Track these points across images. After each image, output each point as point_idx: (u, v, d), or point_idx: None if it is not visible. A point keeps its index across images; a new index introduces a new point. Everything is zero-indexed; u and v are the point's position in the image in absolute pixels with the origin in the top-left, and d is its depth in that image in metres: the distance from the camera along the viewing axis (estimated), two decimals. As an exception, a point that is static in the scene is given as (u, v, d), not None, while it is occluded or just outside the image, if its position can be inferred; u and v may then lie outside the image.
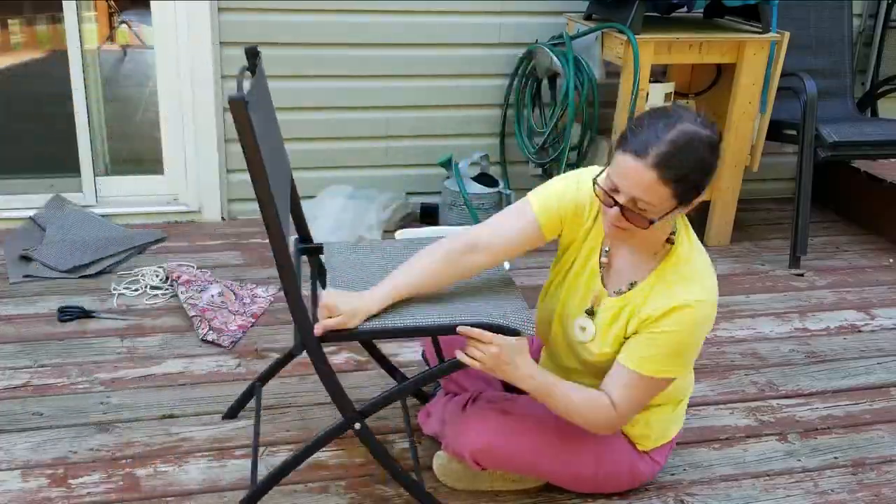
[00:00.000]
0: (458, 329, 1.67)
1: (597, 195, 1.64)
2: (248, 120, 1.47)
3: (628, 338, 1.73)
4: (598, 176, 1.65)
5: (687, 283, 1.67)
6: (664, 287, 1.68)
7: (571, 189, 1.79)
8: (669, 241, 1.70)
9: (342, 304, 1.67)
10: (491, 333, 1.65)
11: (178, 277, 2.83)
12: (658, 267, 1.70)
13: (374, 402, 1.80)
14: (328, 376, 1.72)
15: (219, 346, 2.51)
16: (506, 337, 1.66)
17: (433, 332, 1.82)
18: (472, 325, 1.67)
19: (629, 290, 1.74)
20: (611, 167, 1.60)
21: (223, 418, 2.17)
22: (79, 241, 3.05)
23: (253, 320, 2.66)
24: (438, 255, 1.78)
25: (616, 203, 1.57)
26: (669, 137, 1.52)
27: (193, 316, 2.63)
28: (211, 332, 2.55)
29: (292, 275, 1.63)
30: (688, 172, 1.54)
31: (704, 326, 1.69)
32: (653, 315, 1.67)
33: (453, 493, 1.96)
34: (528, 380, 1.70)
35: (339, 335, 1.70)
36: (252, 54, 1.85)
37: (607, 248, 1.79)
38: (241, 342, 2.55)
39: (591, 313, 1.79)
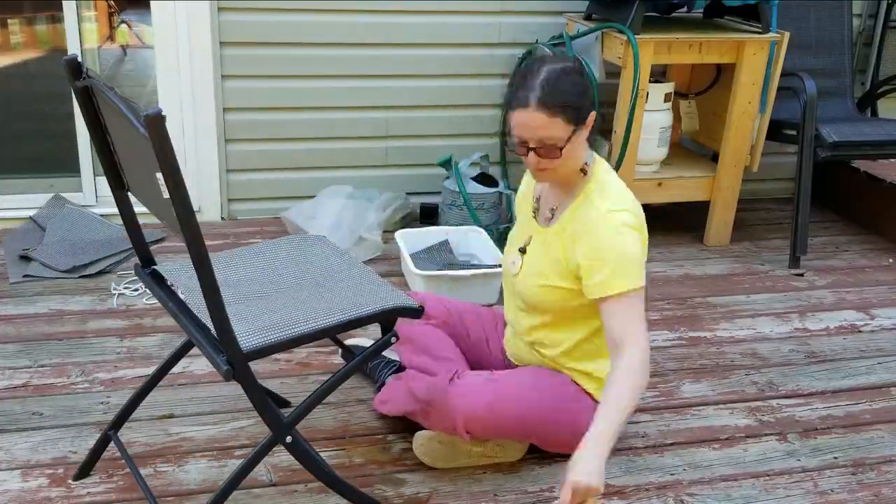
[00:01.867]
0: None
1: (514, 153, 1.87)
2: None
3: (570, 266, 1.88)
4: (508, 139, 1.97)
5: (606, 197, 1.86)
6: (587, 204, 1.87)
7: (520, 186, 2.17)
8: (583, 171, 1.89)
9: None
10: (567, 488, 1.55)
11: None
12: (581, 193, 1.89)
13: (299, 410, 1.75)
14: (257, 393, 1.67)
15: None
16: (573, 476, 1.55)
17: (323, 336, 1.74)
18: (370, 315, 1.75)
19: (552, 216, 1.95)
20: (511, 129, 1.84)
21: (74, 479, 1.95)
22: (79, 240, 3.06)
23: None
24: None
25: (529, 148, 1.81)
26: (538, 82, 1.77)
27: None
28: None
29: (219, 297, 1.54)
30: (566, 99, 1.77)
31: (628, 229, 1.82)
32: (573, 231, 1.86)
33: (453, 492, 1.96)
34: (608, 434, 1.63)
35: (265, 350, 1.62)
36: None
37: (538, 196, 2.03)
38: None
39: (522, 251, 2.01)
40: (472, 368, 2.13)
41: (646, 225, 1.90)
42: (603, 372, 1.96)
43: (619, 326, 1.78)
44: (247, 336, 1.62)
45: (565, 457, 1.67)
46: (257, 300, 1.81)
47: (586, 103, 1.82)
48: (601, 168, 1.92)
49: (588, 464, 1.57)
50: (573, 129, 1.80)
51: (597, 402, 1.91)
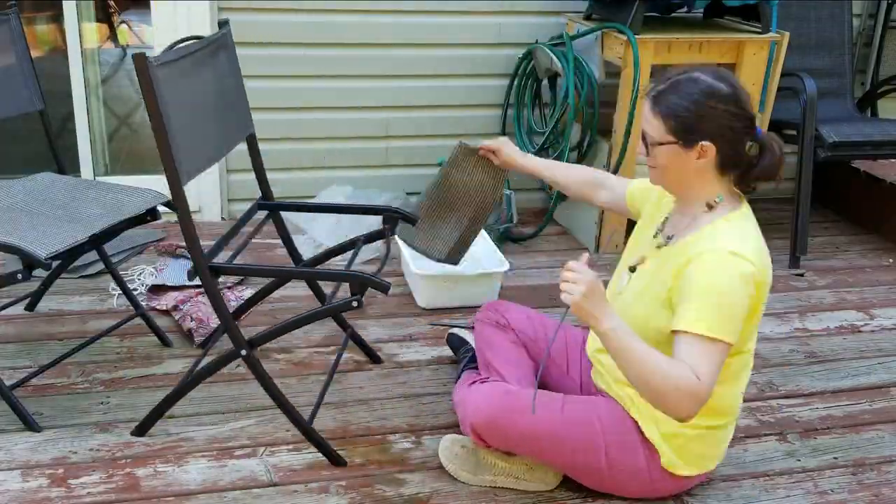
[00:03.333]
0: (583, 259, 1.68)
1: None
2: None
3: (657, 284, 1.77)
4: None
5: (735, 238, 1.70)
6: (711, 235, 1.72)
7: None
8: (709, 205, 1.76)
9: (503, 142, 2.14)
10: (580, 265, 1.65)
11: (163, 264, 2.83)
12: (708, 225, 1.75)
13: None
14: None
15: (192, 340, 2.52)
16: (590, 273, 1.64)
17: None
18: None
19: (666, 243, 1.83)
20: None
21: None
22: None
23: (237, 322, 2.66)
24: (585, 174, 2.22)
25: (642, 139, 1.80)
26: (672, 80, 1.73)
27: (173, 308, 2.66)
28: (192, 321, 2.55)
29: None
30: (677, 109, 1.69)
31: (741, 279, 1.65)
32: (685, 259, 1.70)
33: (453, 493, 1.96)
34: (612, 318, 1.64)
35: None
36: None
37: (665, 218, 1.90)
38: (221, 343, 2.54)
39: (632, 269, 1.90)
40: (549, 387, 2.06)
41: (768, 288, 1.73)
42: (671, 429, 1.82)
43: (694, 360, 1.62)
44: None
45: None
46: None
47: (699, 126, 1.68)
48: (740, 213, 1.76)
49: (595, 301, 1.62)
50: (671, 139, 1.71)
51: (655, 458, 1.84)
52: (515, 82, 3.48)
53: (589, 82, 3.16)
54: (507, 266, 2.81)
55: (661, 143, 1.72)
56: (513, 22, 3.48)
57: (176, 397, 2.06)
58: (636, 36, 2.99)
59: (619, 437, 1.85)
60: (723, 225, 1.73)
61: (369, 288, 1.89)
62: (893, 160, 3.63)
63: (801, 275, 3.23)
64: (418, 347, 2.57)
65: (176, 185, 1.80)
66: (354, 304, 1.87)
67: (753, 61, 3.15)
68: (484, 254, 3.01)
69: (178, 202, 1.81)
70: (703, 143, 1.69)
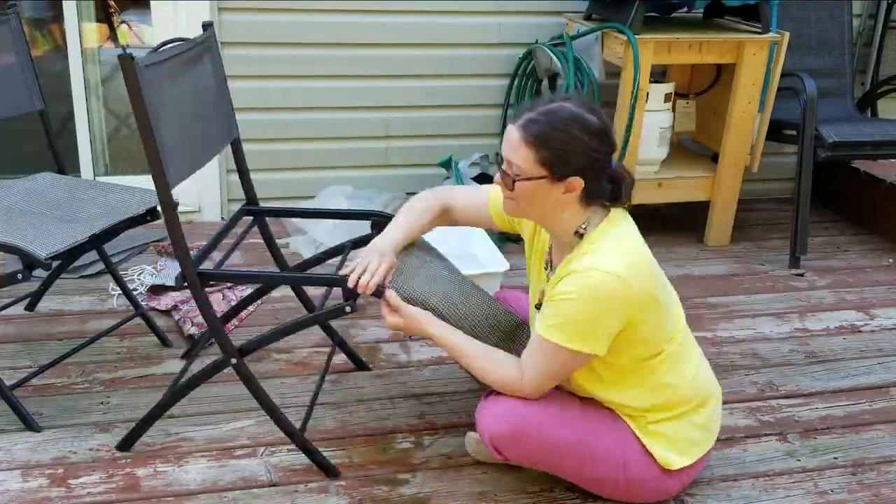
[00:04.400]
0: (386, 294, 1.84)
1: None
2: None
3: None
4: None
5: (589, 255, 1.71)
6: (576, 258, 1.74)
7: None
8: (578, 233, 1.76)
9: (371, 251, 1.89)
10: (396, 305, 1.84)
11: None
12: (574, 251, 1.77)
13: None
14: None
15: (197, 344, 2.51)
16: (411, 308, 1.85)
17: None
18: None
19: (549, 273, 1.88)
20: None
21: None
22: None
23: (238, 322, 2.66)
24: (432, 210, 2.04)
25: (500, 169, 1.76)
26: (542, 108, 1.69)
27: (173, 308, 2.66)
28: (193, 327, 2.55)
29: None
30: (549, 138, 1.66)
31: (606, 298, 1.66)
32: (556, 280, 1.75)
33: (453, 492, 1.96)
34: (433, 330, 1.84)
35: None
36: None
37: (549, 247, 1.91)
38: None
39: (537, 307, 1.90)
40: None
41: (641, 287, 1.70)
42: (650, 427, 1.85)
43: (528, 359, 1.78)
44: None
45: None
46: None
47: (572, 160, 1.66)
48: (606, 222, 1.76)
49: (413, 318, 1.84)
50: (545, 174, 1.68)
51: (651, 457, 1.86)
52: (515, 82, 3.48)
53: (589, 82, 3.17)
54: (507, 266, 2.81)
55: (530, 178, 1.68)
56: (513, 22, 3.48)
57: (160, 411, 2.02)
58: (636, 36, 2.99)
59: (631, 447, 1.85)
60: (587, 247, 1.72)
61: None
62: (893, 160, 3.63)
63: (801, 275, 3.23)
64: (418, 347, 2.57)
65: (163, 189, 1.77)
66: (348, 309, 1.83)
67: (753, 61, 3.15)
68: (484, 254, 3.01)
69: (164, 207, 1.79)
70: (573, 178, 1.67)
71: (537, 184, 1.69)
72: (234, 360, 1.93)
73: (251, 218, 2.27)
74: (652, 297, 1.74)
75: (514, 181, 1.70)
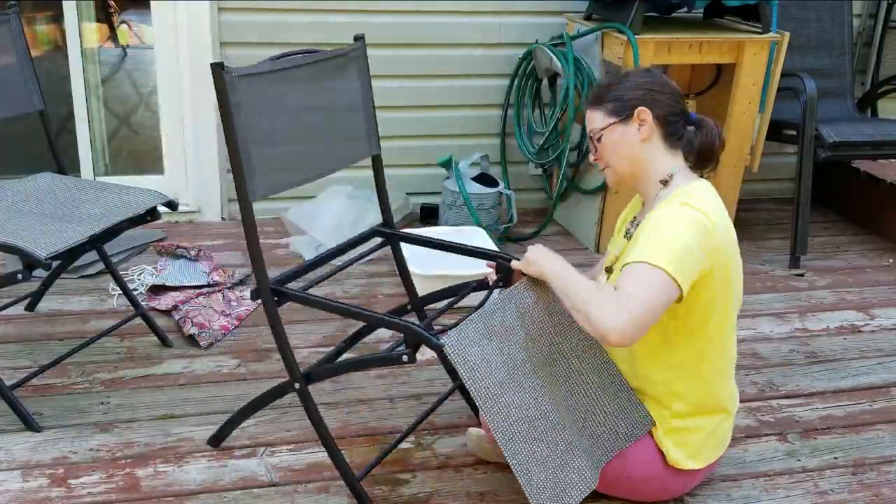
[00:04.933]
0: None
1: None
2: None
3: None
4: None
5: (678, 198, 1.74)
6: (662, 206, 1.76)
7: None
8: (664, 182, 1.81)
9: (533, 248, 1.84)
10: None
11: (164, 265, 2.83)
12: (660, 202, 1.79)
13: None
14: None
15: (198, 345, 2.51)
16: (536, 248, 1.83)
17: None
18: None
19: (634, 228, 1.87)
20: None
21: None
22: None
23: (237, 322, 2.66)
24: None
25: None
26: (602, 83, 1.91)
27: (173, 308, 2.66)
28: (193, 327, 2.55)
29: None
30: (605, 92, 1.84)
31: (695, 230, 1.67)
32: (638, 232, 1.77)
33: (453, 492, 1.96)
34: (551, 266, 1.77)
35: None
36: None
37: (634, 216, 1.94)
38: (221, 343, 2.55)
39: (608, 270, 1.92)
40: None
41: (726, 251, 1.74)
42: (672, 442, 1.85)
43: (622, 283, 1.65)
44: None
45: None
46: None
47: (629, 95, 1.80)
48: (698, 183, 1.80)
49: (541, 254, 1.80)
50: (611, 120, 1.81)
51: (664, 458, 1.86)
52: (515, 82, 3.48)
53: (589, 82, 3.16)
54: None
55: (604, 128, 1.82)
56: (513, 22, 3.48)
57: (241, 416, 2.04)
58: (636, 36, 2.99)
59: (640, 443, 1.85)
60: (675, 195, 1.76)
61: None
62: (893, 160, 3.63)
63: (801, 275, 3.23)
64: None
65: (244, 200, 1.78)
66: (405, 358, 1.73)
67: (753, 61, 3.15)
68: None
69: (246, 222, 1.80)
70: (638, 108, 1.79)
71: (612, 131, 1.82)
72: (297, 385, 1.86)
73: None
74: (729, 251, 1.76)
75: (597, 141, 1.84)
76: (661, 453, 1.85)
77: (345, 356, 2.06)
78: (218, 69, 1.67)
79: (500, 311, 1.76)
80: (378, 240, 2.18)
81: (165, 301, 2.71)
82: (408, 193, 3.55)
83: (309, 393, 1.86)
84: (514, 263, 1.88)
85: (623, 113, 1.80)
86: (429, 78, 3.51)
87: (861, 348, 2.70)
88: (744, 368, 2.55)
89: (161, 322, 2.60)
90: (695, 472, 1.90)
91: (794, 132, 3.28)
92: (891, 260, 3.41)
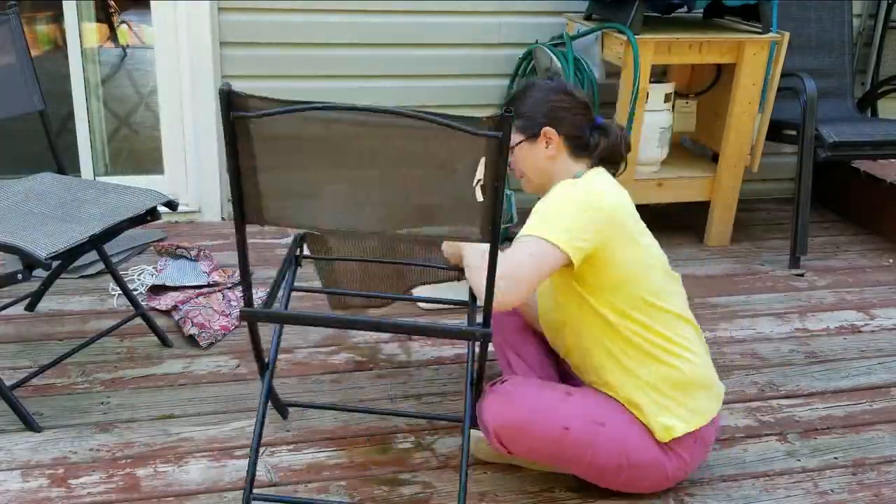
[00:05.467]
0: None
1: None
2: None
3: None
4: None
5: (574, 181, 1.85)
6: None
7: None
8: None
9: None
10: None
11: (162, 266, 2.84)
12: None
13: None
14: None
15: (198, 345, 2.51)
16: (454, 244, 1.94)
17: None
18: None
19: None
20: None
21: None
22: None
23: (237, 322, 2.66)
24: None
25: None
26: (513, 93, 1.97)
27: (173, 308, 2.67)
28: (193, 327, 2.55)
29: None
30: (519, 110, 1.88)
31: (577, 199, 1.77)
32: None
33: (453, 493, 1.96)
34: (466, 256, 1.86)
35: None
36: None
37: None
38: (221, 343, 2.55)
39: None
40: (569, 380, 2.08)
41: (620, 217, 1.80)
42: (650, 407, 1.85)
43: (506, 251, 1.72)
44: None
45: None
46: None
47: (538, 117, 1.88)
48: (592, 171, 1.89)
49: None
50: (520, 137, 1.89)
51: (652, 436, 1.86)
52: (515, 82, 3.48)
53: (589, 82, 3.16)
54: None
55: (514, 146, 1.89)
56: (513, 22, 3.48)
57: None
58: (636, 36, 2.99)
59: (635, 432, 1.86)
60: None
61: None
62: (893, 160, 3.63)
63: (801, 275, 3.23)
64: (418, 348, 2.57)
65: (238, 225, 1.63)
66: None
67: (753, 61, 3.15)
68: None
69: (239, 243, 1.65)
70: (545, 129, 1.86)
71: (520, 149, 1.91)
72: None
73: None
74: (625, 218, 1.81)
75: (510, 153, 1.85)
76: (651, 434, 1.85)
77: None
78: (226, 100, 1.42)
79: None
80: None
81: (165, 301, 2.71)
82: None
83: None
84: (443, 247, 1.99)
85: (530, 131, 1.89)
86: (429, 78, 3.51)
87: (861, 348, 2.71)
88: (744, 368, 2.55)
89: (161, 322, 2.60)
90: (689, 444, 1.89)
91: (794, 132, 3.28)
92: (891, 260, 3.41)
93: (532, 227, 1.76)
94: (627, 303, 1.82)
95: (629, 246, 1.81)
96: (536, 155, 1.90)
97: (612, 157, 1.93)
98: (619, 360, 1.86)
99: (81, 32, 3.26)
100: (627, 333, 1.84)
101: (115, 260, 3.00)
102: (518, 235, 1.77)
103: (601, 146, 1.90)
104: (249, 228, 3.17)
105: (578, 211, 1.77)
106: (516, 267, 1.71)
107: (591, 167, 1.91)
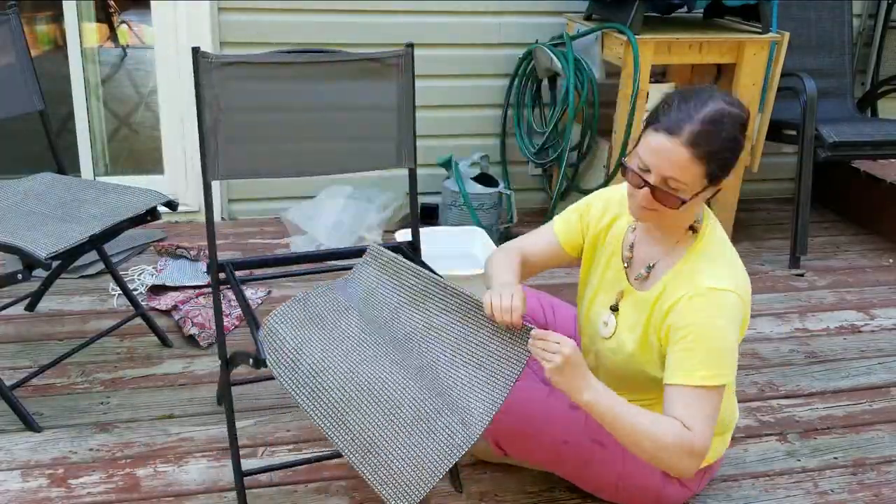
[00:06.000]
0: (533, 333, 1.60)
1: (624, 176, 1.62)
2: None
3: (650, 335, 1.69)
4: (624, 157, 1.67)
5: (712, 268, 1.61)
6: (689, 272, 1.63)
7: (590, 202, 1.89)
8: (693, 229, 1.67)
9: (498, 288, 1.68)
10: (558, 336, 1.57)
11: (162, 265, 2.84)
12: (684, 255, 1.66)
13: None
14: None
15: (198, 345, 2.51)
16: (571, 342, 1.57)
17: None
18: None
19: (648, 273, 1.72)
20: (640, 147, 1.58)
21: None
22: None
23: (237, 322, 2.66)
24: (513, 265, 1.83)
25: (646, 183, 1.56)
26: (702, 116, 1.52)
27: (173, 308, 2.67)
28: (193, 327, 2.55)
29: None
30: (719, 150, 1.53)
31: (732, 315, 1.59)
32: (675, 305, 1.61)
33: (453, 493, 1.96)
34: (592, 390, 1.57)
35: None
36: None
37: (630, 244, 1.78)
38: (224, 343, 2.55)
39: (615, 309, 1.77)
40: None
41: (750, 304, 1.68)
42: None
43: (686, 413, 1.55)
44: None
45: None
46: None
47: (732, 164, 1.58)
48: (712, 227, 1.68)
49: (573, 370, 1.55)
50: (706, 185, 1.57)
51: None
52: (515, 82, 3.48)
53: (589, 82, 3.17)
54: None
55: (697, 194, 1.56)
56: (513, 22, 3.48)
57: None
58: (636, 36, 2.99)
59: (637, 458, 1.79)
60: (700, 252, 1.65)
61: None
62: (893, 160, 3.63)
63: (801, 275, 3.23)
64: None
65: (206, 180, 1.81)
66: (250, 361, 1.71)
67: (753, 61, 3.15)
68: (484, 254, 3.01)
69: (206, 202, 1.83)
70: (726, 180, 1.60)
71: (703, 195, 1.59)
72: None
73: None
74: (750, 303, 1.69)
75: (683, 202, 1.55)
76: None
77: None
78: (195, 53, 1.75)
79: (323, 295, 1.77)
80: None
81: (165, 301, 2.71)
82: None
83: None
84: (546, 368, 1.56)
85: (720, 180, 1.57)
86: (429, 78, 3.51)
87: (861, 348, 2.70)
88: (744, 368, 2.55)
89: (161, 322, 2.60)
90: (698, 476, 1.88)
91: (794, 132, 3.28)
92: (891, 260, 3.41)
93: (712, 370, 1.57)
94: None
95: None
96: (698, 202, 1.61)
97: None
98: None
99: (81, 32, 3.26)
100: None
101: (115, 260, 3.00)
102: (689, 376, 1.57)
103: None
104: (250, 228, 3.20)
105: (732, 335, 1.60)
106: (713, 422, 1.55)
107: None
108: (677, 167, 1.52)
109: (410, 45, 1.89)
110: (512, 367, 1.64)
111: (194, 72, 1.77)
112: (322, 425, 1.54)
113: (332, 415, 1.55)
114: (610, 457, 1.82)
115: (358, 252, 1.96)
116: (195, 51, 1.74)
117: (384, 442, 1.53)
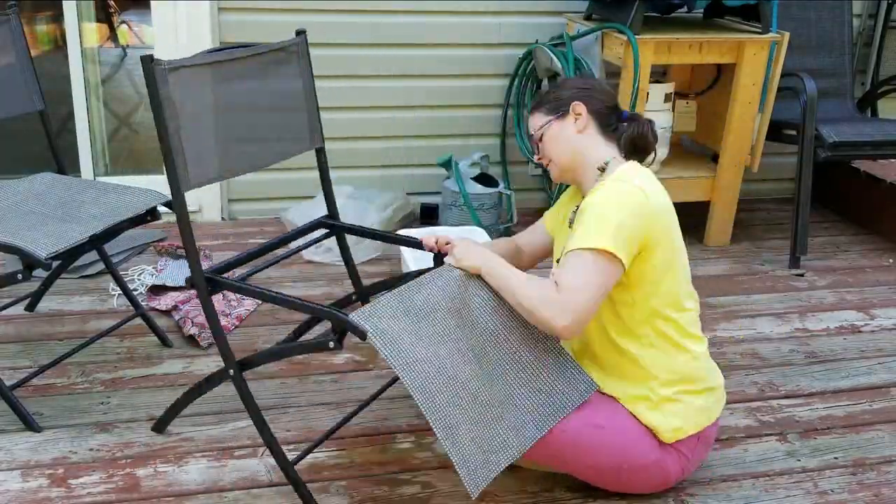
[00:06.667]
0: (424, 240, 2.05)
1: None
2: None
3: None
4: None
5: (617, 179, 1.81)
6: (592, 193, 1.82)
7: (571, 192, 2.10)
8: (601, 169, 1.88)
9: (460, 244, 1.93)
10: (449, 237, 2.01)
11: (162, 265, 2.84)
12: (596, 185, 1.86)
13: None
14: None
15: (198, 345, 2.51)
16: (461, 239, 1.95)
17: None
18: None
19: (574, 215, 1.93)
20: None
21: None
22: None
23: (237, 322, 2.66)
24: (506, 242, 2.15)
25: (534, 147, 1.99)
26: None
27: (173, 308, 2.67)
28: (193, 327, 2.55)
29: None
30: (544, 96, 1.96)
31: (628, 201, 1.75)
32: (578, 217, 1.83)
33: (453, 493, 1.96)
34: (485, 263, 1.85)
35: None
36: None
37: (574, 209, 1.96)
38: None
39: (559, 261, 1.90)
40: None
41: (664, 220, 1.80)
42: (659, 411, 1.86)
43: (559, 272, 1.73)
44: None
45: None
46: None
47: (566, 93, 1.91)
48: (628, 165, 1.86)
49: (469, 250, 1.87)
50: (549, 118, 1.92)
51: (654, 435, 1.86)
52: (515, 82, 3.48)
53: (589, 82, 3.16)
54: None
55: (543, 125, 1.92)
56: (513, 22, 3.49)
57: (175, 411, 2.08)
58: (636, 36, 2.99)
59: (635, 434, 1.85)
60: (611, 176, 1.84)
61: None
62: (893, 160, 3.63)
63: (801, 275, 3.23)
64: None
65: (177, 193, 1.80)
66: (331, 344, 1.74)
67: (753, 61, 3.15)
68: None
69: (179, 215, 1.83)
70: (573, 103, 1.89)
71: (550, 128, 1.92)
72: (231, 372, 1.89)
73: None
74: (668, 221, 1.81)
75: (538, 140, 1.94)
76: (653, 434, 1.86)
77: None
78: (147, 62, 1.70)
79: (420, 290, 1.79)
80: (323, 231, 2.34)
81: (165, 301, 2.71)
82: (408, 193, 3.55)
83: (243, 378, 1.90)
84: (446, 259, 1.92)
85: (559, 110, 1.91)
86: (429, 78, 3.51)
87: (861, 348, 2.71)
88: (744, 368, 2.55)
89: (161, 322, 2.60)
90: (692, 444, 1.89)
91: (794, 132, 3.28)
92: (891, 260, 3.41)
93: (591, 234, 1.73)
94: (658, 300, 1.83)
95: (664, 248, 1.80)
96: (565, 132, 1.90)
97: (641, 143, 1.90)
98: (631, 355, 1.86)
99: (81, 32, 3.27)
100: (646, 329, 1.84)
101: (115, 260, 3.00)
102: (575, 241, 1.74)
103: (630, 131, 1.89)
104: (250, 228, 3.19)
105: (630, 216, 1.74)
106: (584, 289, 1.71)
107: (621, 154, 1.90)
108: (531, 125, 1.98)
109: (303, 31, 2.12)
110: (575, 396, 1.85)
111: (147, 83, 1.73)
112: (416, 397, 1.64)
113: (425, 389, 1.65)
114: (611, 438, 1.84)
115: (312, 227, 2.21)
116: (145, 60, 1.70)
117: (464, 427, 1.69)
